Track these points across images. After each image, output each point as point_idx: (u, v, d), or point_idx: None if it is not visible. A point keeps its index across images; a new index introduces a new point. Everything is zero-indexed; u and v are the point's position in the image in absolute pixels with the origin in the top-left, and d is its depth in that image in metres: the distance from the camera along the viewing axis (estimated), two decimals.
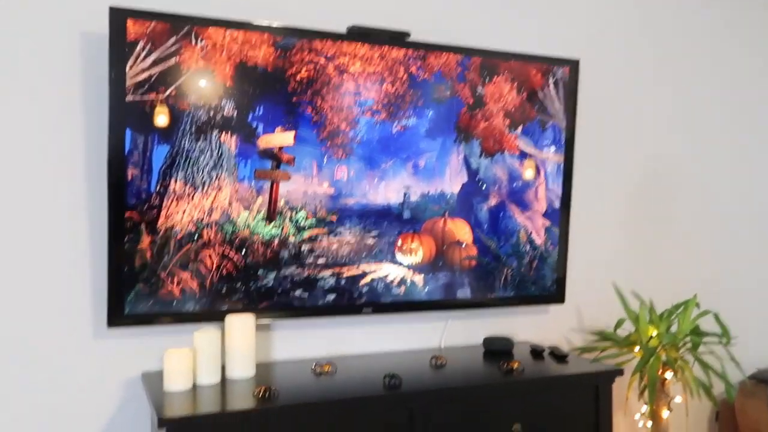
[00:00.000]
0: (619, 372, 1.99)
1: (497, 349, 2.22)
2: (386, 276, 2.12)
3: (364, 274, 2.08)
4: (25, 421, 1.81)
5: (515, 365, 1.97)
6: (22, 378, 1.81)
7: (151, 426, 1.91)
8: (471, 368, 1.99)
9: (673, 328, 2.31)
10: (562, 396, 1.94)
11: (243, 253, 1.92)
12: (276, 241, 1.96)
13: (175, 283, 1.86)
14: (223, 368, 1.90)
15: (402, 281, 2.14)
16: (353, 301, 2.07)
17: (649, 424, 2.30)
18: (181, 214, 1.85)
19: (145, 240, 1.81)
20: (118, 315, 1.80)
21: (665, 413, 2.26)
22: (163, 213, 1.83)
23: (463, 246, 2.22)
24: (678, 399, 2.29)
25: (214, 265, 1.89)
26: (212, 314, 1.90)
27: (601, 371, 1.98)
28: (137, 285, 1.81)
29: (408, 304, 2.15)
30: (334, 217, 2.03)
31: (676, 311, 2.25)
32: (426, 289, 2.17)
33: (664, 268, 2.71)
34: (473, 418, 1.82)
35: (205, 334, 1.77)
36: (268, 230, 1.95)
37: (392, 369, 1.97)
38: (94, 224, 1.87)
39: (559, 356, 2.16)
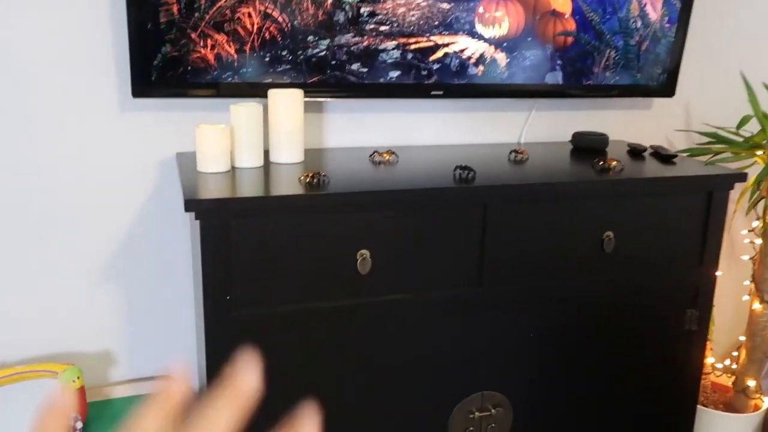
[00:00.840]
0: (742, 176, 1.64)
1: (589, 147, 1.88)
2: (462, 51, 1.74)
3: (435, 48, 1.71)
4: (52, 198, 1.62)
5: (612, 163, 1.64)
6: (45, 156, 1.59)
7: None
8: (557, 165, 1.67)
9: None
10: (667, 203, 1.62)
11: (289, 12, 1.57)
12: (330, 0, 1.59)
13: (209, 47, 1.54)
14: (267, 153, 1.64)
15: (481, 59, 1.76)
16: (421, 80, 1.73)
17: (758, 241, 1.98)
18: None
19: None
20: (144, 82, 1.52)
21: None
22: None
23: (560, 18, 1.80)
24: None
25: (255, 27, 1.56)
26: (254, 87, 1.60)
27: (718, 174, 1.63)
28: (164, 46, 1.51)
29: (487, 88, 1.79)
30: None
31: None
32: (509, 71, 1.80)
33: None
34: (557, 222, 1.53)
35: (244, 108, 1.48)
36: None
37: (465, 162, 1.67)
38: None
39: (665, 156, 1.80)
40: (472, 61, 1.76)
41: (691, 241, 1.67)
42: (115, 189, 1.66)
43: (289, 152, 1.56)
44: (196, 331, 1.74)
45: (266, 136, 1.61)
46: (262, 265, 1.33)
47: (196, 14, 1.51)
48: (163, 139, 1.67)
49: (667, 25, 1.91)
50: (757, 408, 2.08)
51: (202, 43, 1.53)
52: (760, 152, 1.89)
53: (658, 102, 2.12)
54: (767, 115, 1.87)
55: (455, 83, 1.76)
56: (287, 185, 1.37)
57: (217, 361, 1.33)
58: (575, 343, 1.63)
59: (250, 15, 1.54)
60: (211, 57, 1.55)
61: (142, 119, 1.64)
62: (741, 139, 1.95)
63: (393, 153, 1.65)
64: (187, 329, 1.79)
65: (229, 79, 1.58)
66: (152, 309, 1.76)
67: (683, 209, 1.64)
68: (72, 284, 1.68)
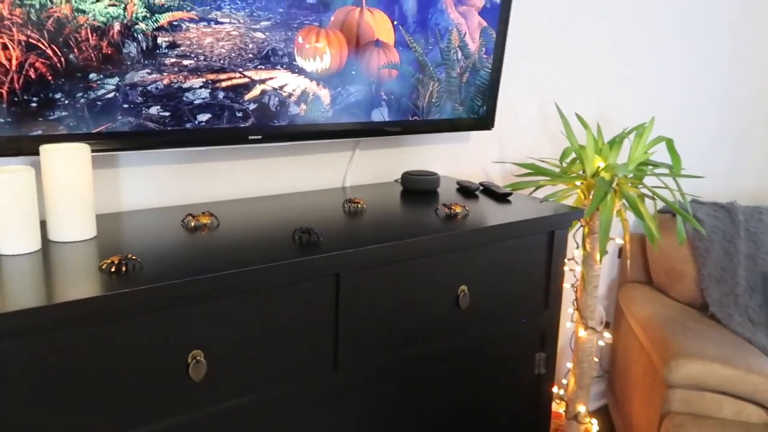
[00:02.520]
0: (579, 213, 1.60)
1: (420, 188, 1.74)
2: (282, 88, 1.49)
3: (251, 85, 1.44)
4: None
5: (457, 209, 1.51)
6: None
7: None
8: (397, 214, 1.49)
9: (620, 159, 1.96)
10: (512, 246, 1.52)
11: (62, 43, 1.20)
12: (116, 28, 1.25)
13: None
14: (44, 228, 1.24)
15: (303, 96, 1.53)
16: (236, 122, 1.45)
17: (578, 269, 1.99)
18: None
19: None
20: None
21: (598, 257, 1.95)
22: None
23: (384, 48, 1.63)
24: (619, 241, 1.99)
25: (15, 63, 1.16)
26: (17, 143, 1.20)
27: (559, 214, 1.57)
28: None
29: (311, 128, 1.56)
30: None
31: (626, 137, 1.87)
32: (333, 109, 1.59)
33: (615, 91, 2.32)
34: (413, 282, 1.35)
35: (8, 176, 1.08)
36: (101, 9, 1.22)
37: (295, 218, 1.42)
38: None
39: (499, 195, 1.72)
40: (293, 99, 1.52)
41: (536, 283, 1.60)
42: None
43: (75, 226, 1.19)
44: None
45: (41, 206, 1.21)
46: (55, 397, 0.96)
47: None
48: None
49: (485, 56, 1.84)
50: None
51: None
52: (579, 183, 1.90)
53: (475, 134, 2.06)
54: (582, 146, 1.88)
55: (275, 125, 1.51)
56: (82, 279, 1.01)
57: None
58: (436, 404, 1.47)
59: (5, 47, 1.15)
60: None
61: None
62: (557, 170, 1.95)
63: (211, 215, 1.35)
64: None
65: None
66: None
67: (527, 251, 1.56)
68: None
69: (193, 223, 1.33)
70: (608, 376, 2.70)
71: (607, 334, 2.08)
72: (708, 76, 2.73)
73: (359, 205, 1.52)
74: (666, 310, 2.18)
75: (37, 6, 1.16)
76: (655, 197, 1.83)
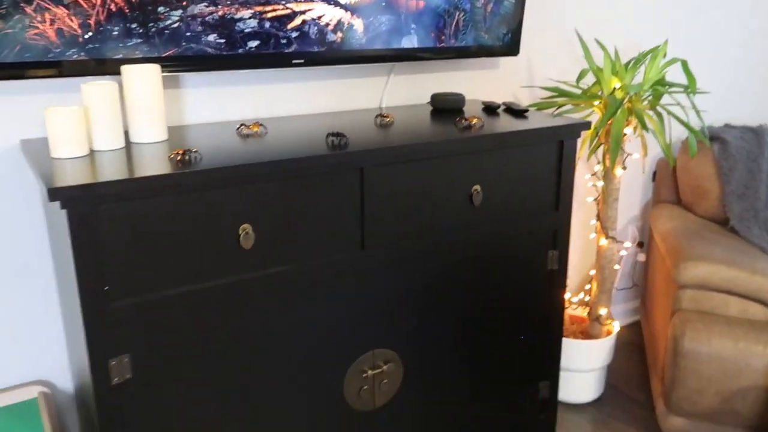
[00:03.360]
0: (586, 125, 1.78)
1: (447, 107, 1.95)
2: (320, 18, 1.73)
3: (293, 15, 1.69)
4: None
5: (474, 121, 1.72)
6: None
7: (43, 203, 1.57)
8: (422, 126, 1.72)
9: (637, 80, 2.10)
10: (524, 153, 1.73)
11: None
12: None
13: (48, 23, 1.41)
14: (126, 134, 1.54)
15: (339, 25, 1.76)
16: (281, 48, 1.70)
17: (600, 184, 2.17)
18: None
19: None
20: None
21: (619, 171, 2.12)
22: None
23: None
24: (636, 155, 2.15)
25: None
26: (103, 64, 1.49)
27: (567, 125, 1.76)
28: None
29: (347, 54, 1.80)
30: None
31: (643, 60, 2.02)
32: (367, 36, 1.81)
33: (632, 14, 2.45)
34: (429, 180, 1.59)
35: (97, 87, 1.38)
36: None
37: (332, 129, 1.67)
38: None
39: (517, 111, 1.92)
40: (330, 27, 1.75)
41: (547, 188, 1.80)
42: None
43: (150, 131, 1.48)
44: (67, 329, 1.62)
45: (123, 114, 1.51)
46: (138, 251, 1.26)
47: None
48: (3, 126, 1.51)
49: None
50: (609, 333, 2.31)
51: (39, 18, 1.40)
52: (596, 102, 2.07)
53: (504, 61, 2.24)
54: (600, 68, 2.04)
55: (315, 51, 1.75)
56: (156, 165, 1.30)
57: (101, 356, 1.25)
58: (452, 292, 1.71)
59: None
60: (51, 33, 1.42)
61: None
62: (580, 92, 2.12)
63: (261, 125, 1.62)
64: (56, 329, 1.66)
65: (75, 56, 1.46)
66: (12, 312, 1.60)
67: (538, 159, 1.76)
68: None
69: (245, 131, 1.60)
70: (641, 293, 2.87)
71: (641, 253, 2.25)
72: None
73: (388, 119, 1.76)
74: (687, 224, 2.33)
75: None
76: (670, 114, 1.98)
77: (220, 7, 1.58)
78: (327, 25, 1.74)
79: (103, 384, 1.26)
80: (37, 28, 1.40)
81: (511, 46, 2.09)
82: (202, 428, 1.41)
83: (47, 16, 1.40)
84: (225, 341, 1.39)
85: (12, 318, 1.61)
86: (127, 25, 1.49)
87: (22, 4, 1.37)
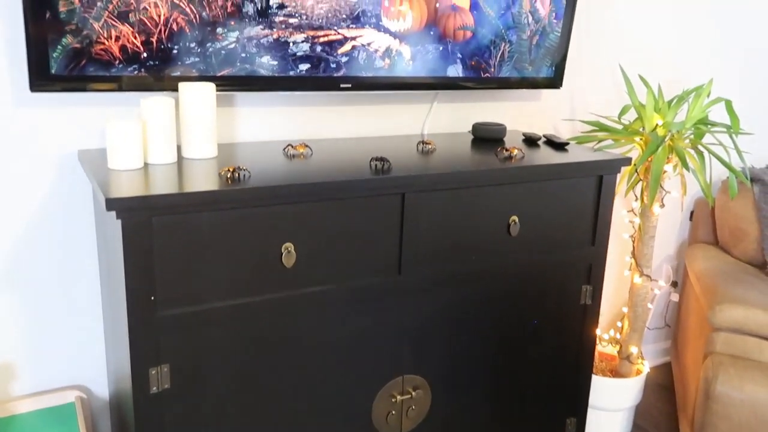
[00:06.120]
0: (626, 161, 1.80)
1: (488, 137, 1.98)
2: (369, 44, 1.78)
3: (344, 41, 1.74)
4: None
5: (514, 152, 1.74)
6: None
7: (95, 211, 1.63)
8: (463, 154, 1.75)
9: (679, 118, 2.11)
10: (563, 186, 1.74)
11: (197, 3, 1.53)
12: None
13: (113, 39, 1.48)
14: (179, 148, 1.60)
15: (387, 52, 1.81)
16: (330, 72, 1.75)
17: (637, 221, 2.17)
18: None
19: None
20: (42, 75, 1.44)
21: (656, 209, 2.12)
22: None
23: (460, 12, 1.88)
24: (675, 194, 2.15)
25: (162, 18, 1.51)
26: (162, 81, 1.55)
27: (607, 160, 1.77)
28: (64, 37, 1.43)
29: (393, 81, 1.84)
30: None
31: (687, 98, 2.03)
32: (413, 64, 1.86)
33: (676, 50, 2.45)
34: (468, 208, 1.61)
35: (155, 103, 1.43)
36: None
37: (375, 153, 1.71)
38: None
39: (558, 144, 1.94)
40: (379, 54, 1.80)
41: (584, 222, 1.81)
42: (10, 190, 1.55)
43: (202, 147, 1.53)
44: (107, 335, 1.67)
45: (177, 128, 1.56)
46: (185, 263, 1.30)
47: (99, 3, 1.44)
48: (62, 135, 1.58)
49: (555, 21, 2.04)
50: (639, 372, 2.29)
51: (106, 35, 1.47)
52: (637, 138, 2.08)
53: (546, 92, 2.26)
54: (643, 104, 2.05)
55: (363, 76, 1.79)
56: (207, 180, 1.35)
57: (142, 365, 1.29)
58: (485, 321, 1.73)
59: (156, 5, 1.49)
60: (115, 49, 1.49)
61: (39, 115, 1.54)
62: (621, 127, 2.13)
63: (306, 146, 1.66)
64: (95, 335, 1.71)
65: (135, 72, 1.52)
66: (55, 316, 1.66)
67: (577, 192, 1.77)
68: None
69: (291, 152, 1.65)
70: (673, 333, 2.84)
71: (675, 293, 2.24)
72: None
73: (430, 146, 1.79)
74: (723, 265, 2.31)
75: None
76: (711, 154, 1.98)
77: (275, 30, 1.64)
78: (376, 51, 1.79)
79: (142, 392, 1.30)
80: (103, 44, 1.47)
81: (554, 79, 2.12)
82: None
83: (113, 32, 1.47)
84: (260, 357, 1.43)
85: (55, 321, 1.66)
86: (187, 44, 1.55)
87: (91, 21, 1.44)
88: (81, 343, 1.70)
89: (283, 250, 1.40)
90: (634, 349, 2.26)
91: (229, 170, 1.38)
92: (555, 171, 1.70)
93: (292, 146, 1.66)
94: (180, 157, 1.54)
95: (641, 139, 2.07)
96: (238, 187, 1.31)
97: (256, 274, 1.38)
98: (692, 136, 2.05)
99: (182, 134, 1.53)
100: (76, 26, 1.43)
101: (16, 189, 1.56)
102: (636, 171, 2.09)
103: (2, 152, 1.53)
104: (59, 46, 1.43)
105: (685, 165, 1.90)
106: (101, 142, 1.62)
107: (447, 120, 2.10)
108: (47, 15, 1.40)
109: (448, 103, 2.09)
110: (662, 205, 2.12)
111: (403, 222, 1.53)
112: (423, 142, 1.80)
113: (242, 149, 1.68)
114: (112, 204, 1.18)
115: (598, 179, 1.80)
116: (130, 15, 1.48)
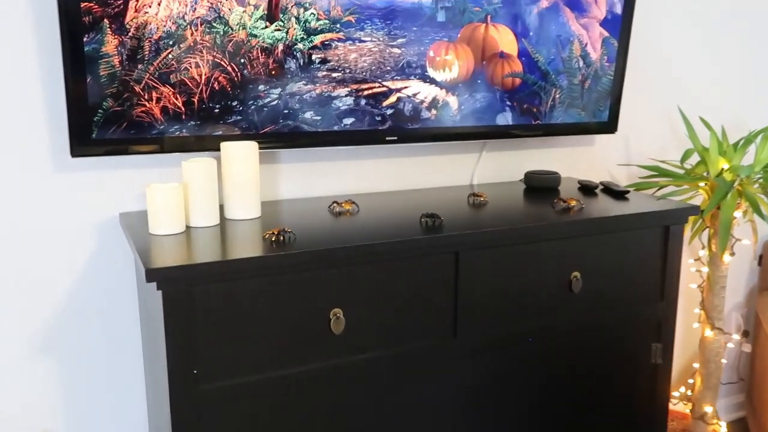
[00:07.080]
0: (695, 209, 1.67)
1: (542, 186, 1.88)
2: (415, 95, 1.71)
3: (388, 93, 1.68)
4: None
5: (572, 203, 1.64)
6: None
7: (137, 278, 1.58)
8: (517, 207, 1.65)
9: (746, 161, 1.98)
10: (627, 238, 1.63)
11: (239, 62, 1.50)
12: (280, 48, 1.53)
13: (154, 101, 1.44)
14: (221, 208, 1.55)
15: (433, 103, 1.74)
16: (375, 125, 1.68)
17: (705, 270, 2.03)
18: (155, 6, 1.40)
19: (111, 41, 1.37)
20: (83, 141, 1.41)
21: (727, 258, 1.98)
22: (131, 4, 1.38)
23: (507, 59, 1.81)
24: (746, 242, 2.01)
25: (203, 77, 1.47)
26: (204, 141, 1.51)
27: (674, 209, 1.66)
28: (105, 101, 1.40)
29: (441, 131, 1.77)
30: (352, 18, 1.59)
31: (754, 140, 1.90)
32: (461, 113, 1.78)
33: (743, 94, 2.34)
34: (526, 265, 1.51)
35: (197, 165, 1.39)
36: (269, 33, 1.51)
37: (424, 208, 1.63)
38: (40, 17, 1.42)
39: (617, 192, 1.83)
40: (425, 105, 1.73)
41: (651, 276, 1.68)
42: (50, 256, 1.51)
43: (245, 208, 1.47)
44: (149, 407, 1.59)
45: (220, 189, 1.51)
46: (229, 333, 1.23)
47: (140, 66, 1.41)
48: (103, 199, 1.54)
49: (607, 64, 1.95)
50: None
51: (146, 97, 1.43)
52: (702, 183, 1.95)
53: (599, 137, 2.16)
54: (706, 148, 1.94)
55: (409, 128, 1.73)
56: (251, 245, 1.28)
57: None
58: (547, 385, 1.60)
59: (197, 65, 1.46)
60: (156, 110, 1.45)
61: (79, 179, 1.51)
62: (682, 172, 2.01)
63: (353, 202, 1.59)
64: (136, 405, 1.64)
65: (176, 132, 1.48)
66: (95, 385, 1.60)
67: (642, 244, 1.66)
68: (3, 360, 1.51)
69: (337, 209, 1.58)
70: (747, 387, 2.64)
71: (747, 344, 2.08)
72: None
73: (482, 198, 1.70)
74: None
75: (221, 32, 1.46)
76: None
77: (318, 85, 1.59)
78: (422, 102, 1.73)
79: None
80: (144, 105, 1.43)
81: (608, 124, 2.02)
82: None
83: (154, 94, 1.44)
84: (307, 429, 1.33)
85: (97, 390, 1.60)
86: (228, 102, 1.51)
87: (132, 84, 1.41)
88: (123, 414, 1.63)
89: (331, 316, 1.32)
90: (708, 409, 2.09)
91: (273, 233, 1.31)
92: (618, 223, 1.59)
93: (338, 203, 1.59)
94: (223, 218, 1.48)
95: (706, 184, 1.94)
96: (283, 252, 1.23)
97: (304, 343, 1.30)
98: (761, 180, 1.92)
99: (225, 195, 1.47)
100: (116, 89, 1.40)
101: (58, 255, 1.52)
102: (701, 218, 1.96)
103: (43, 217, 1.49)
104: (100, 111, 1.40)
105: (757, 211, 1.77)
106: (143, 204, 1.58)
107: (497, 169, 2.01)
108: (88, 80, 1.37)
109: (498, 151, 2.00)
110: (732, 254, 1.98)
111: (457, 282, 1.43)
112: (474, 194, 1.71)
113: (287, 207, 1.62)
114: (152, 275, 1.12)
115: (665, 229, 1.68)
116: (171, 76, 1.44)
